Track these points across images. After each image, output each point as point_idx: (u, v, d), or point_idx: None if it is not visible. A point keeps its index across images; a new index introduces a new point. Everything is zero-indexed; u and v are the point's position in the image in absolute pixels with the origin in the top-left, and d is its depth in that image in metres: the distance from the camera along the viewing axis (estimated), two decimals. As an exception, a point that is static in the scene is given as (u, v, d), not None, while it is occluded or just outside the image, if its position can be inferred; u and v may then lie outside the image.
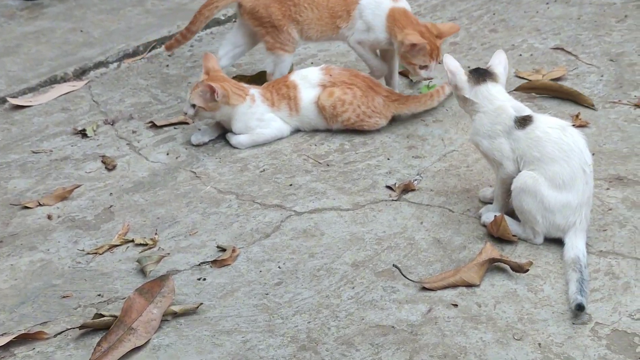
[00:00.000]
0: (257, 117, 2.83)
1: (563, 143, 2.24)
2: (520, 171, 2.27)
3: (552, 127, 2.27)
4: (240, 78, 3.13)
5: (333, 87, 2.84)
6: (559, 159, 2.22)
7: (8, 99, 3.16)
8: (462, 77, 2.35)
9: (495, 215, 2.31)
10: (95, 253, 2.36)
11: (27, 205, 2.57)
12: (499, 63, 2.40)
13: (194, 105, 2.77)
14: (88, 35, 3.66)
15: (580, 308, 2.03)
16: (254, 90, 2.87)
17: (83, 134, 2.96)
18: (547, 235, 2.29)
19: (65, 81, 3.31)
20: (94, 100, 3.19)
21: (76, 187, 2.64)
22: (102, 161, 2.80)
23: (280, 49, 2.97)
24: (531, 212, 2.24)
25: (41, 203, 2.58)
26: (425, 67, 2.86)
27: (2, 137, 2.95)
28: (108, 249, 2.37)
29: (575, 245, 2.21)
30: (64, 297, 2.19)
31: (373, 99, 2.84)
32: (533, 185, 2.22)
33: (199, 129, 2.91)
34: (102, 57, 3.43)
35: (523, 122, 2.29)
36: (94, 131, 2.97)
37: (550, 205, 2.22)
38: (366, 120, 2.85)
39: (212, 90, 2.73)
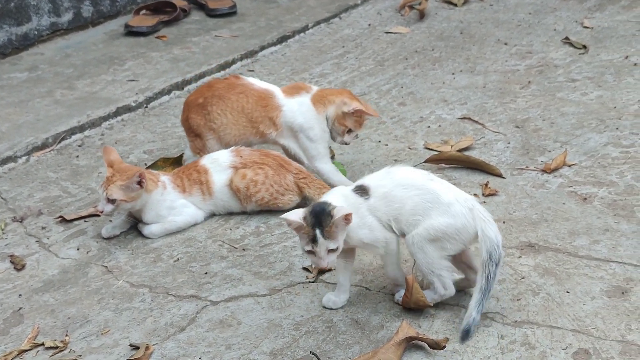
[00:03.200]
0: (168, 205, 2.80)
1: (402, 182, 2.27)
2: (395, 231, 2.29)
3: (381, 178, 2.31)
4: (164, 160, 3.14)
5: (245, 169, 2.84)
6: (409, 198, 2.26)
7: None
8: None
9: (406, 278, 2.31)
10: (4, 360, 2.27)
11: None
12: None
13: (113, 200, 2.70)
14: (-5, 130, 3.59)
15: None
16: (164, 177, 2.85)
17: (-8, 233, 2.87)
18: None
19: (-30, 179, 3.23)
20: (1, 197, 3.11)
21: (-19, 291, 2.56)
22: (10, 261, 2.72)
23: None
24: (434, 260, 2.25)
25: (-55, 310, 2.48)
26: None
27: None
28: (17, 354, 2.28)
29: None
30: (-32, 411, 2.09)
31: (285, 177, 2.85)
32: (423, 235, 2.24)
33: (110, 221, 2.85)
34: (10, 152, 3.36)
35: (362, 190, 2.30)
36: (2, 230, 2.89)
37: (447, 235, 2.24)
38: (280, 199, 2.85)
39: (142, 178, 2.71)
